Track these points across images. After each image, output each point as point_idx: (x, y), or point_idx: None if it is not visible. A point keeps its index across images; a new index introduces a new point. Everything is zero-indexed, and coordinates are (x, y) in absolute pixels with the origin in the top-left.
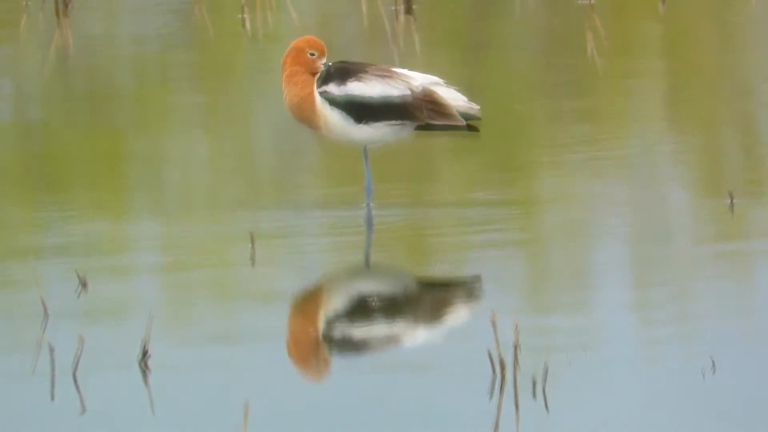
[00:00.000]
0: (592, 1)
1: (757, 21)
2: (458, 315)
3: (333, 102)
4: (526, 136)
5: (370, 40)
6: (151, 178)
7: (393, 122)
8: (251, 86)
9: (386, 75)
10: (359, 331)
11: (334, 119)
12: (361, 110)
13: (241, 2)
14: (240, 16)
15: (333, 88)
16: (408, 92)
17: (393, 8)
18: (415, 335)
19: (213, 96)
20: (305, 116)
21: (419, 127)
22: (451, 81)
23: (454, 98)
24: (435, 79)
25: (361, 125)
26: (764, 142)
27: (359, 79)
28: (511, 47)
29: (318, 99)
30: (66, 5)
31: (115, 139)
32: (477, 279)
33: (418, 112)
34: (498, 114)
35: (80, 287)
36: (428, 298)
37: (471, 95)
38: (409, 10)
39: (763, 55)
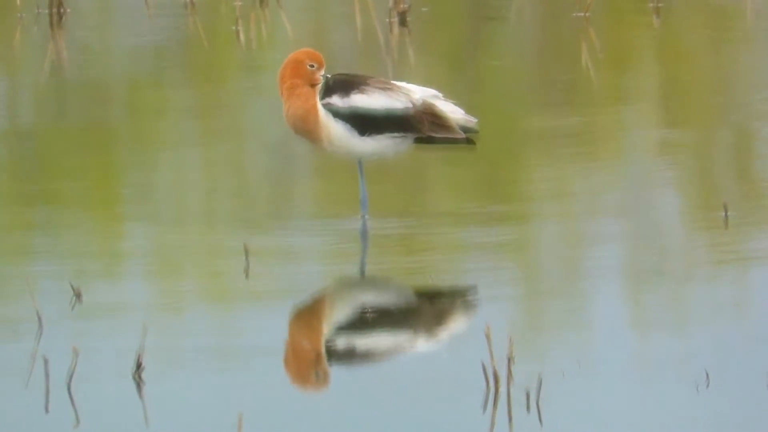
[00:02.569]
0: (587, 14)
1: (752, 33)
2: (452, 327)
3: (337, 114)
4: (520, 148)
5: (364, 53)
6: (145, 190)
7: (395, 135)
8: (246, 98)
9: (387, 87)
10: (353, 343)
11: (337, 132)
12: (364, 122)
13: (235, 14)
14: (234, 27)
15: (336, 101)
16: (410, 105)
17: (387, 20)
18: (410, 347)
19: (207, 108)
20: (308, 129)
21: (418, 140)
22: (446, 93)
23: (452, 111)
24: (433, 91)
25: (363, 138)
26: (759, 155)
27: (362, 92)
28: (506, 59)
29: (321, 111)
30: (60, 17)
31: (108, 152)
32: (471, 291)
33: (420, 125)
34: (493, 126)
35: (74, 299)
36: (423, 310)
37: (466, 108)
38: (403, 23)
39: (758, 67)
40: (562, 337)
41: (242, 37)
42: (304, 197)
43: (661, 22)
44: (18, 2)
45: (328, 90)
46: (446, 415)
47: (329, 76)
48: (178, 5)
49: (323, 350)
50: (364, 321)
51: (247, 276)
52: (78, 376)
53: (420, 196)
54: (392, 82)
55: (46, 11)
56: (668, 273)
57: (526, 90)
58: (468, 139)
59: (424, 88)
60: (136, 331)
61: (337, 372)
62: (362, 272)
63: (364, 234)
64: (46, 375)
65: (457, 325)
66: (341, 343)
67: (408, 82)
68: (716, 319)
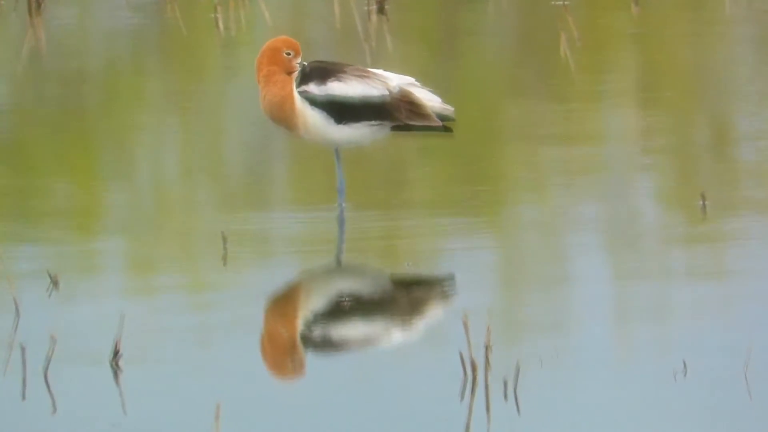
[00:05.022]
0: (565, 2)
1: (730, 21)
2: (430, 316)
3: (313, 102)
4: (498, 136)
5: (342, 40)
6: (123, 177)
7: (372, 122)
8: (224, 85)
9: (364, 75)
10: (331, 331)
11: (314, 119)
12: (341, 110)
13: (213, 1)
14: (213, 15)
15: (313, 88)
16: (387, 93)
17: (365, 8)
18: (387, 336)
19: (185, 95)
20: (284, 116)
21: (395, 128)
22: (423, 81)
23: (429, 99)
24: (410, 79)
25: (340, 125)
26: (737, 143)
27: (339, 79)
28: (483, 47)
29: (298, 99)
30: (39, 5)
31: (86, 140)
32: (449, 279)
33: (396, 113)
34: (471, 114)
35: (52, 286)
36: (400, 298)
37: (444, 95)
38: (381, 10)
39: (736, 54)
40: (540, 326)
41: (221, 24)
42: (282, 185)
43: (640, 10)
44: None
45: (305, 78)
46: (424, 403)
47: (306, 63)
48: None
49: (300, 338)
50: (341, 309)
51: (224, 263)
52: (55, 363)
53: (397, 184)
54: (369, 69)
55: None
56: (646, 262)
57: (504, 78)
58: (445, 126)
59: (401, 76)
60: (114, 318)
61: (314, 360)
62: (339, 260)
63: (341, 222)
64: (23, 362)
65: (434, 313)
66: (318, 331)
67: (386, 70)
68: (694, 308)
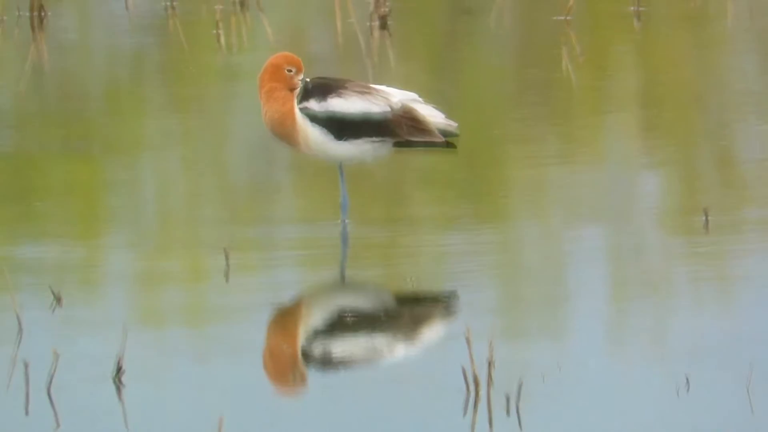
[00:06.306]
0: (567, 17)
1: (732, 36)
2: (433, 332)
3: (314, 118)
4: (501, 152)
5: (344, 56)
6: (125, 194)
7: (373, 139)
8: (226, 102)
9: (366, 91)
10: (333, 347)
11: (314, 136)
12: (342, 127)
13: (215, 18)
14: (215, 31)
15: (314, 105)
16: (388, 109)
17: (368, 24)
18: (390, 352)
19: (187, 111)
20: (285, 132)
21: (398, 144)
22: (426, 97)
23: (432, 115)
24: (413, 95)
25: (341, 142)
26: (739, 159)
27: (340, 96)
28: (486, 62)
29: (298, 115)
30: (41, 19)
31: (89, 156)
32: (452, 296)
33: (398, 129)
34: (473, 130)
35: (55, 303)
36: (403, 314)
37: (446, 111)
38: (384, 26)
39: (738, 70)
40: (542, 342)
41: (223, 40)
42: (285, 201)
43: (642, 26)
44: None
45: (306, 94)
46: (426, 419)
47: (308, 80)
48: (158, 9)
49: (302, 354)
50: (344, 326)
51: (227, 280)
52: (58, 379)
53: (401, 200)
54: (371, 85)
55: (27, 14)
56: (648, 277)
57: (507, 94)
58: (448, 143)
59: (404, 92)
60: (117, 334)
61: (317, 376)
62: (343, 277)
63: (344, 238)
64: (27, 379)
65: (437, 329)
66: (321, 347)
67: (388, 86)
68: (696, 323)
